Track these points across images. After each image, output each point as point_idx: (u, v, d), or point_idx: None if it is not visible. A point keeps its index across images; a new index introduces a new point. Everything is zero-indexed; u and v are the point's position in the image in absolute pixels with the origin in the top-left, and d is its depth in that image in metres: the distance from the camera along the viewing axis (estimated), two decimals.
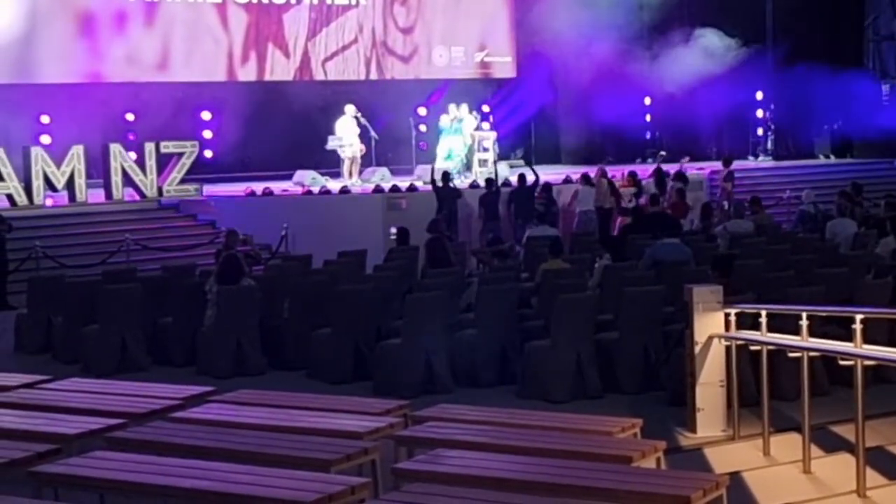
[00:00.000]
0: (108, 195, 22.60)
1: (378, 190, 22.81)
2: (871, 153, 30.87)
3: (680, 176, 23.05)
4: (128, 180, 22.64)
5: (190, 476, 6.88)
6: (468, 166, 25.00)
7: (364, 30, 28.77)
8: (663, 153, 28.10)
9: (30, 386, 9.94)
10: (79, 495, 7.57)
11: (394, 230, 18.82)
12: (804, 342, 8.90)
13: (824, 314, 9.93)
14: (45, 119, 24.62)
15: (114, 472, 7.05)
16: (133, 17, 25.63)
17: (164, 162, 23.01)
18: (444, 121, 25.54)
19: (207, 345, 13.48)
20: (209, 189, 23.71)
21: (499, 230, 19.90)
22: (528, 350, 12.05)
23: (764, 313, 9.63)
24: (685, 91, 28.42)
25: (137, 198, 22.77)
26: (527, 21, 29.52)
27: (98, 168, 22.92)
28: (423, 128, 27.30)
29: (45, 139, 23.94)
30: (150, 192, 22.77)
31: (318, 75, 28.30)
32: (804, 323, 8.89)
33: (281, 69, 27.78)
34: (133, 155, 23.02)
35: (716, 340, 10.07)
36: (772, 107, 32.11)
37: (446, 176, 21.66)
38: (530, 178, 21.81)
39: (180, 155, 23.19)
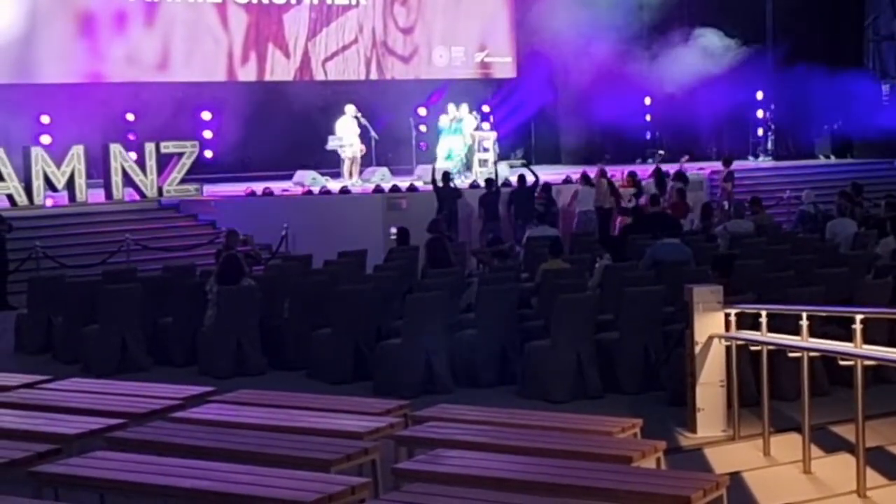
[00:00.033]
0: (109, 195, 22.61)
1: (378, 190, 22.81)
2: (871, 153, 30.86)
3: (680, 176, 23.04)
4: (128, 180, 22.65)
5: (190, 476, 6.88)
6: (468, 166, 24.99)
7: (364, 30, 28.78)
8: (661, 152, 28.09)
9: (30, 386, 9.94)
10: (79, 495, 7.56)
11: (394, 230, 18.83)
12: (804, 342, 8.90)
13: (824, 314, 9.93)
14: (45, 119, 24.64)
15: (114, 472, 7.05)
16: (133, 17, 25.65)
17: (164, 162, 23.02)
18: (444, 121, 25.54)
19: (208, 345, 13.48)
20: (209, 189, 23.72)
21: (499, 230, 19.90)
22: (528, 350, 12.05)
23: (764, 313, 9.63)
24: (685, 91, 28.41)
25: (137, 198, 22.78)
26: (527, 21, 29.53)
27: (98, 168, 22.93)
28: (423, 128, 27.31)
29: (46, 139, 23.96)
30: (151, 192, 22.78)
31: (319, 75, 28.31)
32: (804, 323, 8.89)
33: (281, 69, 27.79)
34: (133, 155, 23.03)
35: (716, 340, 10.07)
36: (772, 107, 32.11)
37: (447, 176, 21.65)
38: (530, 178, 21.82)
39: (180, 155, 23.20)
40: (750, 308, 10.08)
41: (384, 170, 25.06)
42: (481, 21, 30.31)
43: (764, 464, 9.33)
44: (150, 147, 22.89)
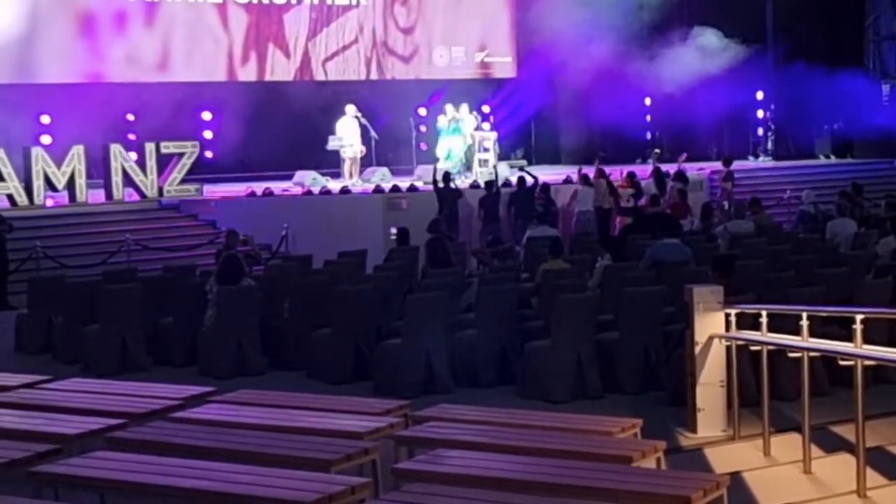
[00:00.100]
0: (109, 195, 22.62)
1: (378, 190, 22.81)
2: (871, 153, 30.85)
3: (680, 176, 23.02)
4: (128, 180, 22.66)
5: (190, 476, 6.88)
6: (468, 166, 24.99)
7: (364, 30, 28.78)
8: (657, 151, 28.08)
9: (30, 386, 9.94)
10: (79, 495, 7.57)
11: (394, 230, 18.83)
12: (804, 342, 8.90)
13: (824, 314, 9.93)
14: (45, 119, 24.63)
15: (114, 472, 7.05)
16: (133, 18, 25.65)
17: (164, 162, 23.03)
18: (442, 121, 25.54)
19: (208, 345, 13.48)
20: (209, 189, 23.72)
21: (499, 232, 19.90)
22: (528, 350, 12.05)
23: (764, 313, 9.63)
24: (685, 91, 28.40)
25: (138, 198, 22.79)
26: (527, 21, 29.53)
27: (98, 168, 22.93)
28: (423, 128, 27.31)
29: (46, 139, 23.96)
30: (151, 192, 22.79)
31: (319, 75, 28.31)
32: (804, 323, 8.90)
33: (281, 69, 27.79)
34: (133, 155, 23.04)
35: (716, 340, 10.07)
36: (772, 107, 32.11)
37: (447, 176, 21.66)
38: (530, 179, 21.82)
39: (181, 155, 23.21)
40: (750, 308, 10.07)
41: (384, 170, 25.07)
42: (481, 21, 30.32)
43: (764, 464, 9.33)
44: (150, 147, 22.90)
